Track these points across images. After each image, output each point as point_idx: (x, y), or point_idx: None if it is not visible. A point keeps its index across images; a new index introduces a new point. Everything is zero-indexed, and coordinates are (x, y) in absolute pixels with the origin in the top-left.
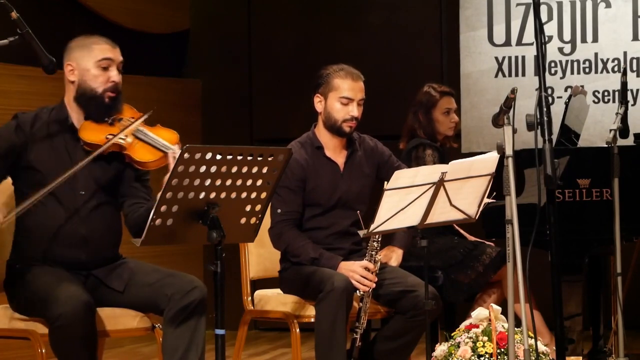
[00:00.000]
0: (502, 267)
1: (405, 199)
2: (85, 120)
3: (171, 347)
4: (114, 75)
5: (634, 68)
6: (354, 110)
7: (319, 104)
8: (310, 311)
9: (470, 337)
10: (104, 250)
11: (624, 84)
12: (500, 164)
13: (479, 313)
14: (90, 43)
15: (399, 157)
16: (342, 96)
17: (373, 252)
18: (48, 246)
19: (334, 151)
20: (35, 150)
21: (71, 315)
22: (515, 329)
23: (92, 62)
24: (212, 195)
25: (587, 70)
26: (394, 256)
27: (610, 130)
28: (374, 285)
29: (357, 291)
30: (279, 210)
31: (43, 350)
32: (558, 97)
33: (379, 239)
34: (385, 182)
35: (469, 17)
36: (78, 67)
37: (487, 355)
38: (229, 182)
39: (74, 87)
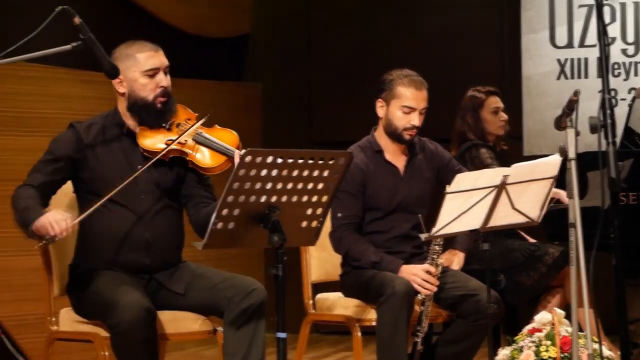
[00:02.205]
0: (565, 267)
1: (467, 202)
2: (140, 126)
3: (232, 349)
4: (162, 80)
5: None
6: (415, 120)
7: (380, 109)
8: (371, 315)
9: (533, 342)
10: (167, 254)
11: None
12: (563, 167)
13: (542, 317)
14: (133, 52)
15: None
16: (405, 105)
17: (435, 256)
18: (111, 250)
19: (394, 155)
20: (94, 157)
21: (132, 321)
22: (579, 333)
23: (138, 72)
24: (273, 198)
25: None
26: (456, 259)
27: None
28: (435, 289)
29: (419, 295)
30: (339, 215)
31: (106, 353)
32: (621, 99)
33: (441, 243)
34: (447, 186)
35: (530, 19)
36: (125, 78)
37: None
38: (289, 186)
39: (124, 98)
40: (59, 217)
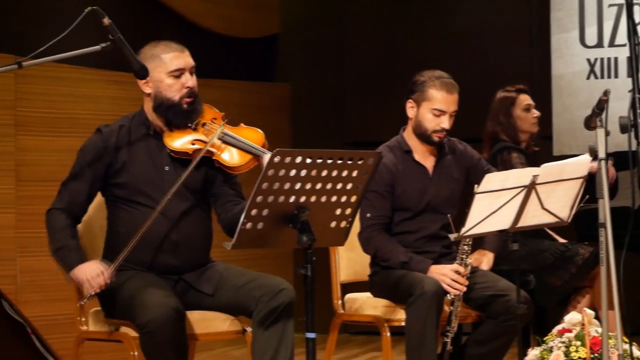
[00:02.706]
0: (595, 267)
1: (496, 202)
2: (167, 127)
3: (260, 349)
4: (188, 80)
5: None
6: (445, 123)
7: (411, 109)
8: (400, 315)
9: (563, 342)
10: (195, 255)
11: None
12: None
13: (572, 317)
14: (159, 53)
15: None
16: (435, 108)
17: (464, 256)
18: (139, 251)
19: (423, 155)
20: (121, 159)
21: (160, 321)
22: (609, 333)
23: (164, 73)
24: (302, 199)
25: None
26: (485, 260)
27: None
28: (464, 289)
29: (448, 295)
30: (368, 215)
31: (135, 353)
32: None
33: (470, 243)
34: (476, 186)
35: (560, 19)
36: (151, 79)
37: None
38: (318, 186)
39: (150, 98)
40: (95, 272)
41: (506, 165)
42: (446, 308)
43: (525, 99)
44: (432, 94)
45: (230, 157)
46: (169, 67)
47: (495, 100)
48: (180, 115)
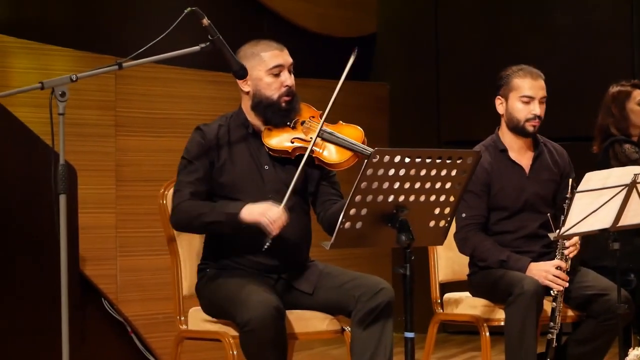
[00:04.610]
0: None
1: (597, 201)
2: (265, 125)
3: (359, 348)
4: (287, 79)
5: None
6: (536, 109)
7: (500, 106)
8: (500, 314)
9: None
10: (294, 255)
11: None
12: None
13: None
14: (258, 51)
15: (594, 160)
16: (523, 95)
17: (564, 251)
18: (239, 250)
19: (519, 153)
20: (222, 158)
21: (261, 320)
22: None
23: (263, 71)
24: (401, 198)
25: None
26: None
27: None
28: (567, 284)
29: (552, 291)
30: (463, 215)
31: (234, 352)
32: None
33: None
34: (570, 181)
35: None
36: (250, 77)
37: None
38: (417, 185)
39: (249, 96)
40: (275, 214)
41: (619, 157)
42: (546, 308)
43: (639, 94)
44: (517, 83)
45: (330, 154)
46: (268, 65)
47: (608, 94)
48: (279, 113)
